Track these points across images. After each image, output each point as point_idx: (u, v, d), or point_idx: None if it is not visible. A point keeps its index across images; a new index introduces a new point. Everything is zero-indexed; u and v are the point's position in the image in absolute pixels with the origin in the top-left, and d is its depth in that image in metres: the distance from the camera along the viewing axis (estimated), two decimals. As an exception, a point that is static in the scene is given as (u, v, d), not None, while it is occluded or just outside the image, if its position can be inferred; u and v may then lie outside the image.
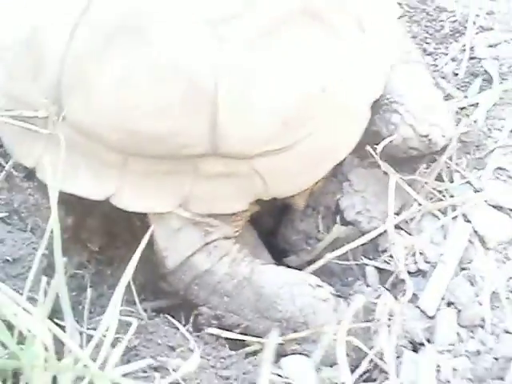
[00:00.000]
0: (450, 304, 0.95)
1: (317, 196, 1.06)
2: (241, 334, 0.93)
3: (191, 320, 0.96)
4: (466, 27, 1.19)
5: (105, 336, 0.82)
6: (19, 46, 0.93)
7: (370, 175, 1.06)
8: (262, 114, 0.86)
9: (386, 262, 1.00)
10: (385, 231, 1.00)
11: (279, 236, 1.12)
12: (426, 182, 1.03)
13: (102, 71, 0.86)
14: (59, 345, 0.77)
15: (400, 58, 1.02)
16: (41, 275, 0.83)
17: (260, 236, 1.10)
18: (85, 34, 0.88)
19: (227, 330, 0.93)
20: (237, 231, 0.97)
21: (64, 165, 0.87)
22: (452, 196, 1.03)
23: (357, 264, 1.03)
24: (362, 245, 1.04)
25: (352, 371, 0.89)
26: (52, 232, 0.81)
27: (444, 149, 1.04)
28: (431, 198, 1.04)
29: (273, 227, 1.14)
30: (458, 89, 1.13)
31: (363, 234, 1.02)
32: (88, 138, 0.89)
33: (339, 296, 0.99)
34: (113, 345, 0.81)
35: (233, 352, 0.92)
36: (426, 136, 0.98)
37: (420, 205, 1.01)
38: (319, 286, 0.93)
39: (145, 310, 0.98)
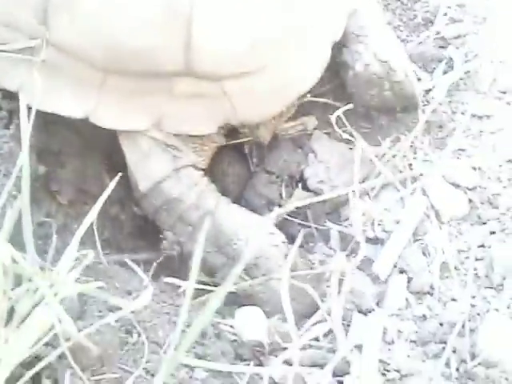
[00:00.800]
0: (401, 271, 0.98)
1: (281, 164, 1.11)
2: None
3: (151, 270, 0.99)
4: (436, 17, 1.25)
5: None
6: None
7: (335, 148, 1.11)
8: (233, 37, 0.94)
9: (345, 227, 1.05)
10: (347, 199, 1.04)
11: (243, 201, 1.14)
12: (393, 156, 1.08)
13: None
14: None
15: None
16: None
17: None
18: None
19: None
20: (204, 161, 1.03)
21: (46, 86, 0.93)
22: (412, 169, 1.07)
23: (316, 228, 1.07)
24: (326, 214, 1.09)
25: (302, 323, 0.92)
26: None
27: (412, 100, 1.10)
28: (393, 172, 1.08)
29: (238, 195, 1.17)
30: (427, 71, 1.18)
31: (324, 201, 1.06)
32: (71, 57, 0.95)
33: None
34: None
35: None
36: (386, 62, 1.06)
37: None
38: (273, 233, 0.98)
39: (108, 263, 1.01)
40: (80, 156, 1.11)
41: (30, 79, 0.97)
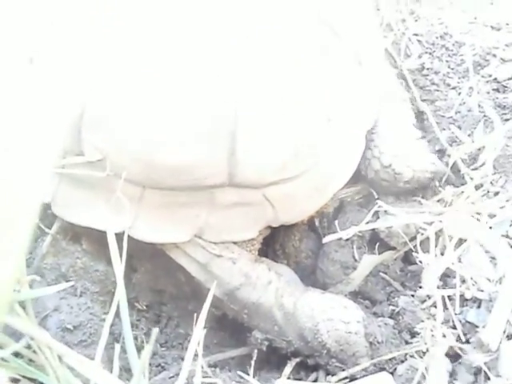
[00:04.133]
0: (509, 337, 0.95)
1: (348, 226, 1.08)
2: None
3: (252, 370, 0.95)
4: (486, 60, 1.22)
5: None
6: None
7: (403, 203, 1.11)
8: (276, 146, 0.91)
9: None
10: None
11: (318, 271, 1.12)
12: (478, 213, 1.05)
13: (123, 108, 0.88)
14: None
15: (385, 97, 1.11)
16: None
17: (301, 273, 1.10)
18: (107, 76, 0.90)
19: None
20: (255, 250, 1.03)
21: (81, 200, 0.92)
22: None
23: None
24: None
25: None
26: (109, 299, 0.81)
27: (426, 185, 1.09)
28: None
29: (313, 268, 1.14)
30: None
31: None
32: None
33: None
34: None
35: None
36: (389, 166, 1.06)
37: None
38: (349, 322, 0.97)
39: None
40: (150, 256, 1.06)
41: (62, 192, 0.95)
